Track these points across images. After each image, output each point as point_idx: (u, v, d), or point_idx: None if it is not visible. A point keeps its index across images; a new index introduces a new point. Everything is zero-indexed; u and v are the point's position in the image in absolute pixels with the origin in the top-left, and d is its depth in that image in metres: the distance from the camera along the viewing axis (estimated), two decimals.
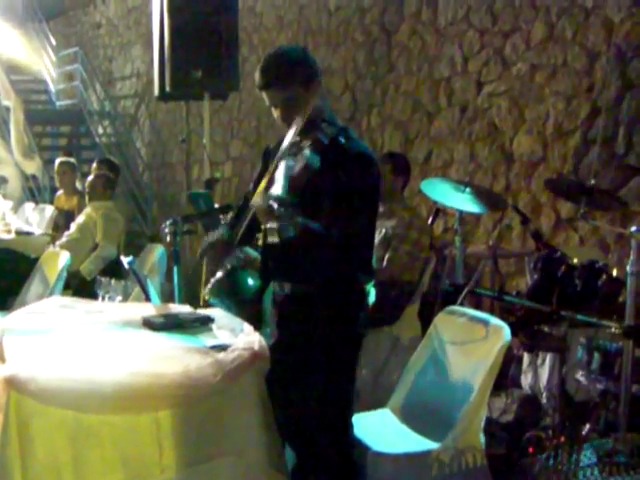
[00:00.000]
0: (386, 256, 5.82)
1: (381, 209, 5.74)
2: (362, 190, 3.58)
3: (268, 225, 3.51)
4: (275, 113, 3.75)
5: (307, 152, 3.62)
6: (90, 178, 8.27)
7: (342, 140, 3.62)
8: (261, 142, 11.83)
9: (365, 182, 3.60)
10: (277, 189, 3.72)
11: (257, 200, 3.62)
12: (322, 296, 3.64)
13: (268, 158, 3.85)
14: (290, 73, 3.65)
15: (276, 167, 3.72)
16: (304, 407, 3.69)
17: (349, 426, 3.80)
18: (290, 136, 3.61)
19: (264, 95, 3.73)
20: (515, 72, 8.07)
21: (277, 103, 3.70)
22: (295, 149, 3.70)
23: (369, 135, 9.80)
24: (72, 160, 10.12)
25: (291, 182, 3.66)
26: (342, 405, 3.76)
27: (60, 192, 9.90)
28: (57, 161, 9.87)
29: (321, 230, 3.50)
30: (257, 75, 3.69)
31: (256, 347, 3.67)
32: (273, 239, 3.52)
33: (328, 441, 3.73)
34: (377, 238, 5.66)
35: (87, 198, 8.15)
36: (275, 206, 3.51)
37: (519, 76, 8.02)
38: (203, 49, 8.06)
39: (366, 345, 3.85)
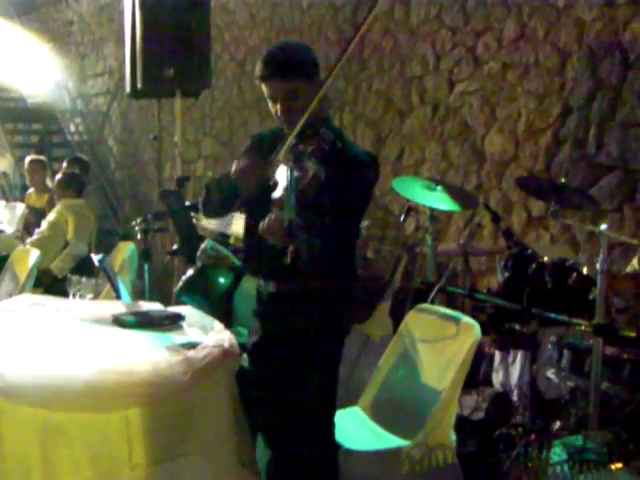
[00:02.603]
0: (368, 257, 5.83)
1: None
2: (358, 197, 3.58)
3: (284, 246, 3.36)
4: (273, 107, 3.66)
5: (312, 163, 3.48)
6: (58, 176, 8.25)
7: (339, 145, 3.58)
8: (233, 140, 11.80)
9: (362, 188, 3.60)
10: (288, 204, 3.39)
11: (268, 220, 3.39)
12: (309, 295, 3.63)
13: (259, 146, 3.77)
14: (294, 65, 3.60)
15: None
16: (286, 405, 3.67)
17: (332, 425, 3.79)
18: (291, 137, 3.51)
19: (264, 87, 3.64)
20: (487, 71, 8.09)
21: (278, 95, 3.61)
22: (295, 154, 3.53)
23: None
24: (42, 158, 10.09)
25: (300, 196, 3.39)
26: (326, 404, 3.75)
27: (31, 190, 9.86)
28: (27, 159, 9.82)
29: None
30: (259, 66, 3.62)
31: (226, 345, 3.67)
32: (286, 260, 3.34)
33: (311, 440, 3.71)
34: None
35: (56, 196, 8.12)
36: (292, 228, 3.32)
37: (491, 75, 8.04)
38: (175, 46, 8.04)
39: None
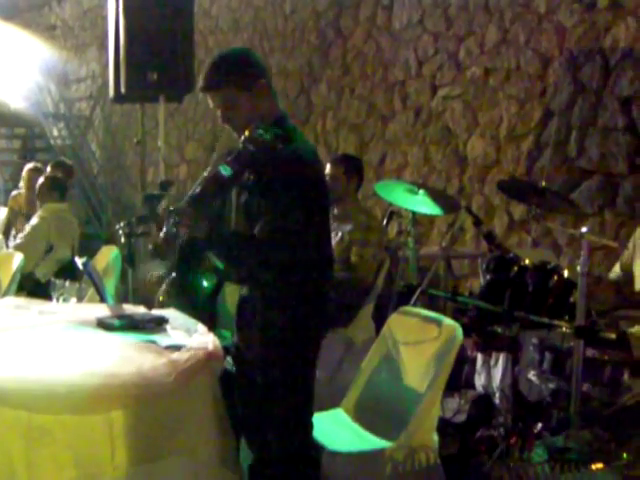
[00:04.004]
0: (352, 261, 5.84)
1: (335, 211, 5.78)
2: (292, 193, 3.54)
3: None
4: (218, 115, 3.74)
5: (226, 161, 3.53)
6: (41, 180, 8.22)
7: (279, 145, 3.56)
8: (216, 145, 11.81)
9: (296, 184, 3.54)
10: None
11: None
12: (278, 298, 3.63)
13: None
14: (223, 75, 3.64)
15: None
16: (264, 407, 3.68)
17: (309, 426, 3.80)
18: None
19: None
20: (469, 76, 8.14)
21: (217, 104, 3.69)
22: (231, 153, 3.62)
23: (324, 138, 9.83)
24: (40, 166, 10.06)
25: (201, 191, 3.56)
26: (301, 405, 3.75)
27: (15, 192, 9.83)
28: (27, 167, 9.74)
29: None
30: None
31: (210, 347, 3.68)
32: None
33: (288, 441, 3.71)
34: (333, 241, 5.66)
35: (39, 200, 8.10)
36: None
37: (473, 80, 8.09)
38: (158, 51, 8.03)
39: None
